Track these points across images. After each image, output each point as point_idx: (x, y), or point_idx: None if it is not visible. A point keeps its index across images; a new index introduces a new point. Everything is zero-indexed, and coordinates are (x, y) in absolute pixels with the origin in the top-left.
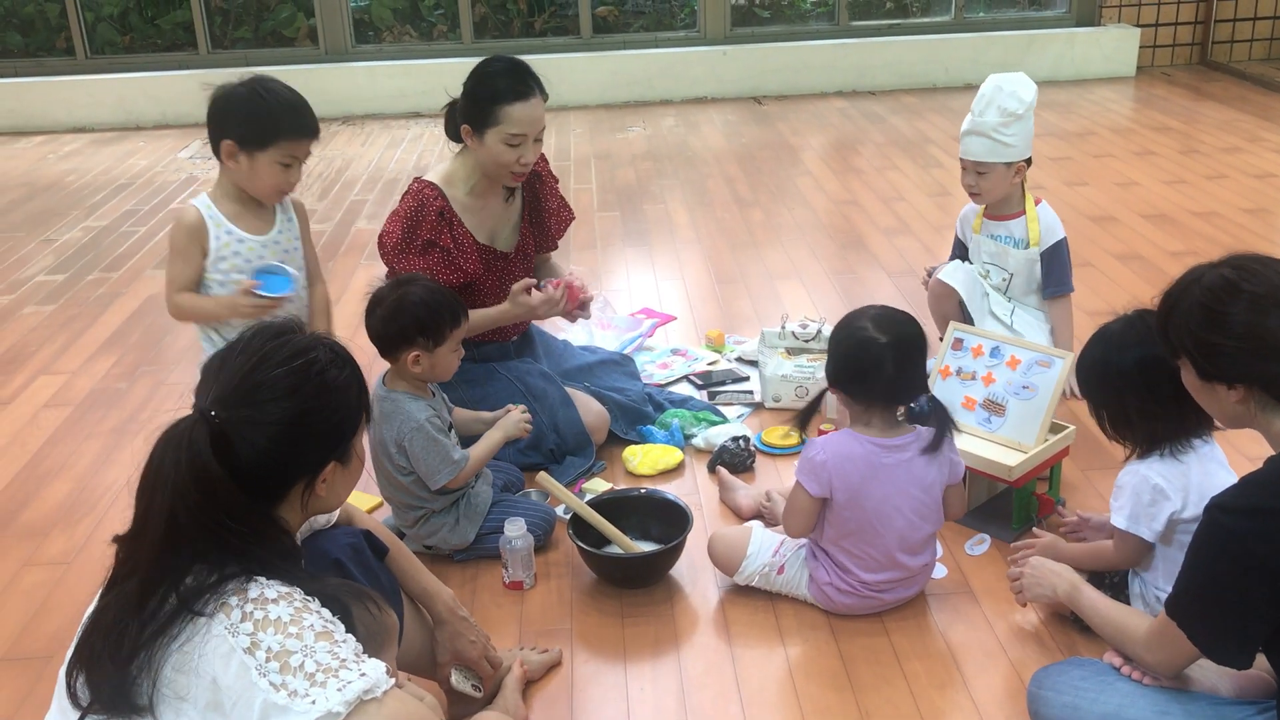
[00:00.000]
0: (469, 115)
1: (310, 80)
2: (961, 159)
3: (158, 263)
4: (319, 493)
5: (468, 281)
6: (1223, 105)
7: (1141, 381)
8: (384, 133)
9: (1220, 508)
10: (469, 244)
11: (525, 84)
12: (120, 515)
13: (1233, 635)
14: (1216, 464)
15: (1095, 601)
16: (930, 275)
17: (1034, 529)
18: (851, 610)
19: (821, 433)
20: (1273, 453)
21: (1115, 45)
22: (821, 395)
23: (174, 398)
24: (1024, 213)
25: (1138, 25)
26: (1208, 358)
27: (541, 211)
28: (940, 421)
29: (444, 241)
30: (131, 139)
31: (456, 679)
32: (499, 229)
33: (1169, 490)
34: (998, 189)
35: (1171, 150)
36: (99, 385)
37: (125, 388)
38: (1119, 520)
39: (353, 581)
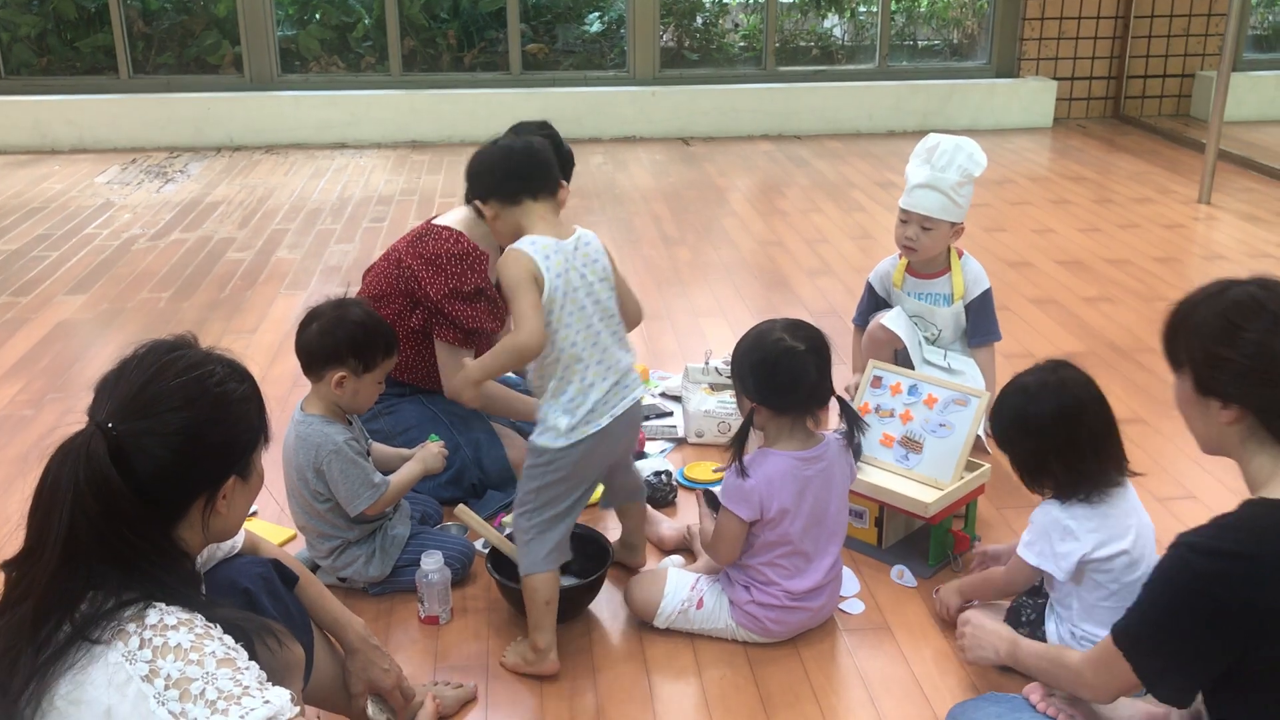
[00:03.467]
0: (531, 188)
1: (234, 108)
2: (907, 211)
3: (69, 288)
4: (219, 509)
5: (497, 332)
6: (1135, 157)
7: (1061, 431)
8: (308, 163)
9: (1190, 547)
10: (500, 295)
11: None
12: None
13: (1179, 674)
14: (1130, 505)
15: (1033, 649)
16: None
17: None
18: (778, 626)
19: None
20: (1249, 495)
21: (1033, 97)
22: (749, 421)
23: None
24: (948, 270)
25: (1055, 78)
26: (1213, 370)
27: None
28: (850, 419)
29: (490, 291)
30: (47, 162)
31: (373, 710)
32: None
33: (1078, 532)
34: (938, 245)
35: (1086, 199)
36: (3, 412)
37: (31, 414)
38: (1027, 554)
39: (258, 612)
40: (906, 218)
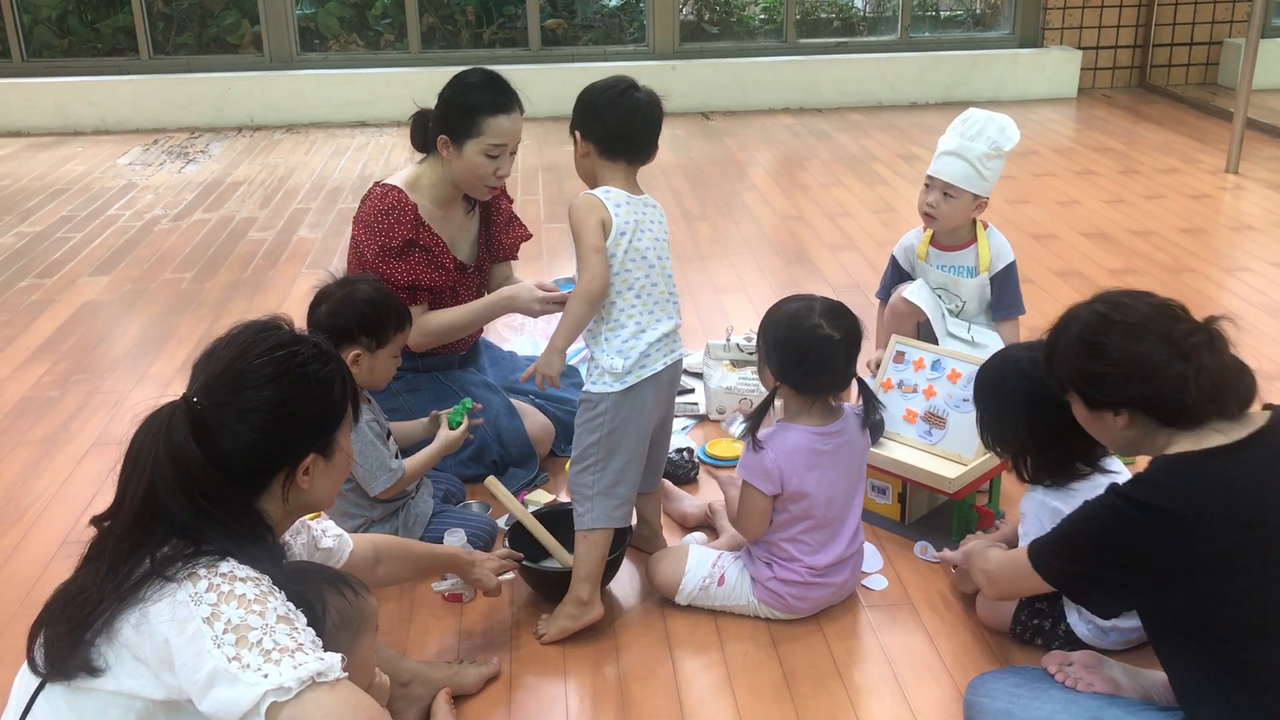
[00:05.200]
0: (448, 125)
1: (254, 88)
2: (931, 177)
3: (93, 270)
4: (300, 484)
5: (443, 285)
6: (1160, 127)
7: (1024, 411)
8: (328, 141)
9: (1121, 495)
10: (442, 247)
11: (507, 96)
12: (49, 525)
13: (1101, 590)
14: (1110, 479)
15: (974, 547)
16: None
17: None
18: (800, 602)
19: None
20: None
21: (1057, 67)
22: (771, 398)
23: (107, 406)
24: (974, 242)
25: (1079, 48)
26: (1093, 387)
27: (492, 226)
28: (867, 401)
29: (424, 240)
30: (69, 144)
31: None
32: (459, 240)
33: (1065, 510)
34: (958, 216)
35: (1111, 170)
36: (29, 393)
37: (57, 396)
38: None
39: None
40: (930, 184)
